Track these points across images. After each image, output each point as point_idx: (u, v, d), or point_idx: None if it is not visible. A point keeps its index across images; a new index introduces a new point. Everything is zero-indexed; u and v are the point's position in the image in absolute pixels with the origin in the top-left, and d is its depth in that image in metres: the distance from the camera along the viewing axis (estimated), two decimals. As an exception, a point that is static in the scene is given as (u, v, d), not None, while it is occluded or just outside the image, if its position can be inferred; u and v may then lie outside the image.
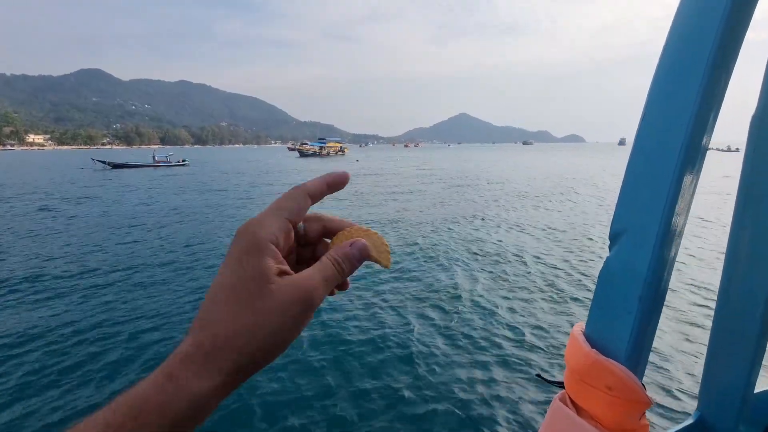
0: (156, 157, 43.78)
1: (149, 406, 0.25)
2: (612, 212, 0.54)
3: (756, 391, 0.76)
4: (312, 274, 0.33)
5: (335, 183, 0.38)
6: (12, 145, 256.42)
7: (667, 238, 0.50)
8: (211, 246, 9.15)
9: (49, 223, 11.83)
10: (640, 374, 0.53)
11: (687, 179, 0.49)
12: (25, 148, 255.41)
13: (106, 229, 10.98)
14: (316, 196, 0.37)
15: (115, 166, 39.70)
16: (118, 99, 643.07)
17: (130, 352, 4.51)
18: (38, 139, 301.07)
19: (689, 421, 0.83)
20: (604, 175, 28.10)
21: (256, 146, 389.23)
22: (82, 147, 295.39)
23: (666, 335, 4.86)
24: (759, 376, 0.74)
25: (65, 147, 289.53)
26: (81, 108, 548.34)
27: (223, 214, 13.52)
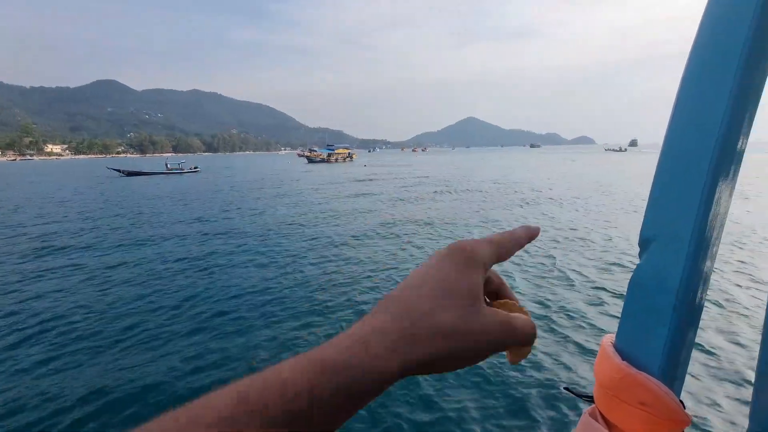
0: (168, 165, 44.46)
1: (337, 366, 0.24)
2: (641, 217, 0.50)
3: None
4: (507, 316, 0.32)
5: (531, 236, 0.38)
6: (31, 155, 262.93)
7: (701, 246, 0.46)
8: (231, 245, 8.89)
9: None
10: (677, 390, 0.48)
11: (722, 185, 0.46)
12: (43, 158, 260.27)
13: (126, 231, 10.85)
14: (511, 250, 0.36)
15: (129, 173, 40.59)
16: (132, 108, 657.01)
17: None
18: (56, 149, 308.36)
19: None
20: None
21: (266, 153, 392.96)
22: (99, 156, 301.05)
23: (712, 350, 4.42)
24: None
25: (82, 156, 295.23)
26: (96, 118, 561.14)
27: (233, 220, 13.29)
